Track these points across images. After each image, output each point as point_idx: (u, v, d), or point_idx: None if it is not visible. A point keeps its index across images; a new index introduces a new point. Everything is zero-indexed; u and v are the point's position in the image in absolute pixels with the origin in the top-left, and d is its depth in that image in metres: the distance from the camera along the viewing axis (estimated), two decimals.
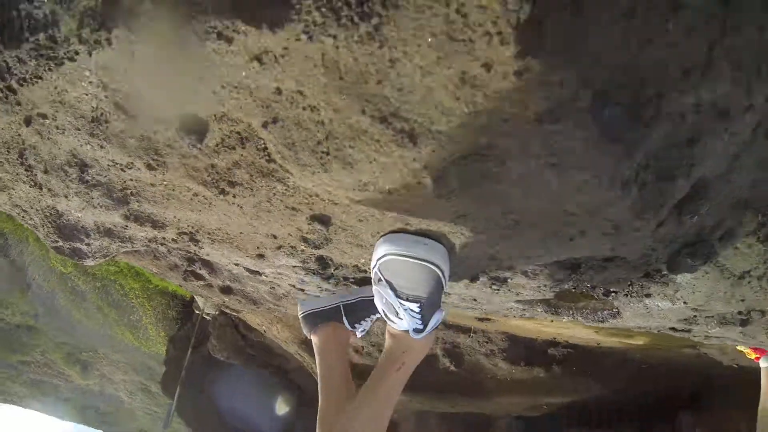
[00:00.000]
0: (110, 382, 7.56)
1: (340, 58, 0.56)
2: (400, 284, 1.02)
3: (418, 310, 1.04)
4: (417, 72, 0.56)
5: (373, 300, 1.26)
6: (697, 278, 1.17)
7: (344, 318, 1.59)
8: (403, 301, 1.04)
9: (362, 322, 1.64)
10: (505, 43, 0.51)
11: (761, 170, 0.87)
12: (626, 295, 1.36)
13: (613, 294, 1.33)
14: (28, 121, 0.92)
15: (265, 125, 0.68)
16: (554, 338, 3.41)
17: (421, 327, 1.09)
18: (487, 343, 3.73)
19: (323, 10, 0.50)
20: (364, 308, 1.60)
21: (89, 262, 1.56)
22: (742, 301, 1.28)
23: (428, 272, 0.98)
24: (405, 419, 4.89)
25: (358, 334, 1.68)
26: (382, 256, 1.00)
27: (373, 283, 1.10)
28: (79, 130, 0.84)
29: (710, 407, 3.46)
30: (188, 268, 1.85)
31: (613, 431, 3.98)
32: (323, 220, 1.00)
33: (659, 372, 3.23)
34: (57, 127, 0.89)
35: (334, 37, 0.53)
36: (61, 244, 1.44)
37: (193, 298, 5.74)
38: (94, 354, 7.43)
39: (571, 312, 1.81)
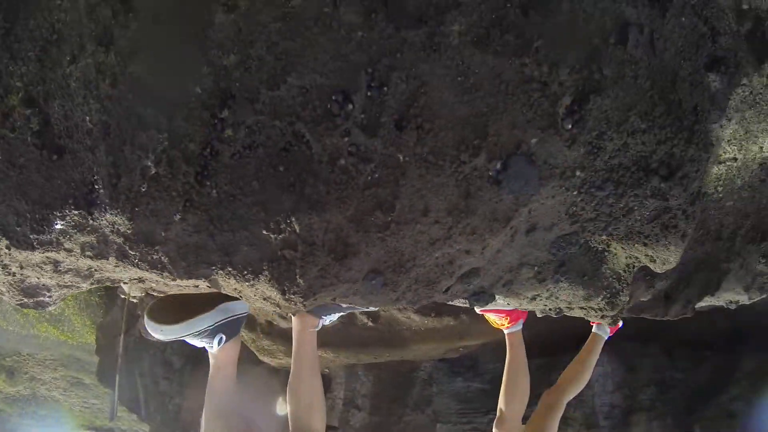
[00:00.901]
0: (41, 383, 7.41)
1: None
2: None
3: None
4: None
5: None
6: (505, 299, 1.59)
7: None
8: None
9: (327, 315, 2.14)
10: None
11: (527, 248, 1.36)
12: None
13: None
14: (9, 247, 1.25)
15: None
16: None
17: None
18: None
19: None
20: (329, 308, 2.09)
21: (50, 308, 1.87)
22: (546, 305, 1.68)
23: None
24: (336, 374, 5.46)
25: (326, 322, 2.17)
26: None
27: None
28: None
29: None
30: None
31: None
32: None
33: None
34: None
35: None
36: (25, 301, 1.74)
37: None
38: (19, 357, 7.19)
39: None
